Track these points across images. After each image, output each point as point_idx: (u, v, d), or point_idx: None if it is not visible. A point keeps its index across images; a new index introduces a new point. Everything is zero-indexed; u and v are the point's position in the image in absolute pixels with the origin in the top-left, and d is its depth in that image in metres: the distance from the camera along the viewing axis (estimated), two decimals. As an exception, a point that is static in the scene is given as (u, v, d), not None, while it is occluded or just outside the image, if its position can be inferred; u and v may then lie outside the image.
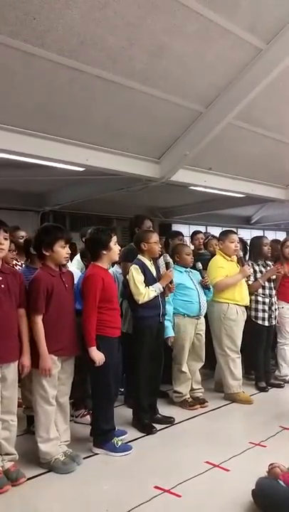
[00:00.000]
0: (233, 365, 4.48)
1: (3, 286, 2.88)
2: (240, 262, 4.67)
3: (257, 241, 5.12)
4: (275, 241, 5.82)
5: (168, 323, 4.10)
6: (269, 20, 4.50)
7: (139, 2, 3.92)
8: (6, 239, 2.88)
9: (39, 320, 3.02)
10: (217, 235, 5.36)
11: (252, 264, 4.80)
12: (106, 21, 3.99)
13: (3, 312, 2.87)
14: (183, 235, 5.53)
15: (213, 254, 5.11)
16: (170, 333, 4.11)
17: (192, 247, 5.70)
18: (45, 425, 3.07)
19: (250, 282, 4.74)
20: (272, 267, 4.99)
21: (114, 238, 3.41)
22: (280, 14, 4.45)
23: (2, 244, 2.85)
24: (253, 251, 5.01)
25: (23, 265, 4.13)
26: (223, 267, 4.52)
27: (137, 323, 3.82)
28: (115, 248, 3.41)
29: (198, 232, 6.21)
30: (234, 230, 5.40)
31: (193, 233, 6.24)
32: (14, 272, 3.12)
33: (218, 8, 4.18)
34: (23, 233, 4.93)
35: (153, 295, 3.73)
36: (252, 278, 4.77)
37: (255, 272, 4.79)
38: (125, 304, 4.15)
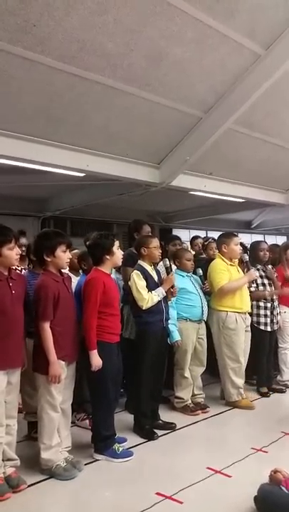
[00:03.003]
0: (233, 373, 4.42)
1: (14, 292, 2.88)
2: (247, 266, 4.56)
3: (253, 245, 5.13)
4: (274, 245, 5.83)
5: (173, 328, 4.09)
6: (268, 25, 4.52)
7: (138, 8, 3.94)
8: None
9: (47, 327, 3.01)
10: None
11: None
12: (105, 28, 4.02)
13: (17, 319, 2.89)
14: (180, 240, 5.49)
15: (212, 259, 5.07)
16: (176, 337, 4.10)
17: (192, 252, 5.68)
18: (49, 432, 3.06)
19: (252, 289, 4.70)
20: (271, 270, 4.98)
21: (117, 243, 3.42)
22: (279, 20, 4.48)
23: (19, 253, 2.96)
24: (251, 255, 4.95)
25: (26, 270, 4.12)
26: (225, 270, 4.42)
27: (141, 329, 3.81)
28: (118, 253, 3.42)
29: (198, 237, 6.22)
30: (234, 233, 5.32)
31: (192, 238, 6.25)
32: (19, 276, 3.12)
33: (217, 14, 4.20)
34: (23, 240, 4.90)
35: (156, 300, 3.73)
36: (253, 284, 4.74)
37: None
38: (126, 310, 4.13)
